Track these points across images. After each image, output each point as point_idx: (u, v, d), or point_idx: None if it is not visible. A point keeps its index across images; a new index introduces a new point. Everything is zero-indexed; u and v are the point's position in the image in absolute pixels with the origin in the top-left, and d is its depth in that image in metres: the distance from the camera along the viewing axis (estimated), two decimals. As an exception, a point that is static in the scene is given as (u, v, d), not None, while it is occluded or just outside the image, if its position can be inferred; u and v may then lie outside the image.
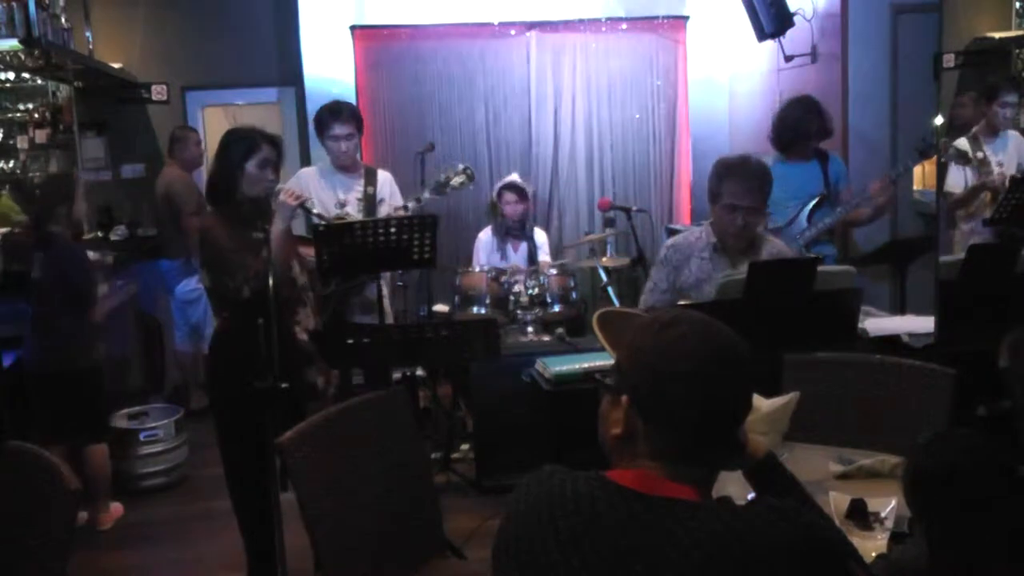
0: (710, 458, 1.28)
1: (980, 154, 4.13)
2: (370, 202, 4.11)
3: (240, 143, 3.05)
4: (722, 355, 1.26)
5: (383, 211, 4.10)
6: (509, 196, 5.00)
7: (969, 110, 4.37)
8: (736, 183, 3.01)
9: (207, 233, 3.03)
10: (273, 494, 2.83)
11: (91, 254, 4.80)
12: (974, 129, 4.22)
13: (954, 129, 4.33)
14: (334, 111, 4.09)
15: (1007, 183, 3.95)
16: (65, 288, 3.79)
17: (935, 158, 4.12)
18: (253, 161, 3.01)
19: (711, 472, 1.31)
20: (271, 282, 2.88)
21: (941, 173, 4.18)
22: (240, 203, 3.04)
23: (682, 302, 3.07)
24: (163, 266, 5.53)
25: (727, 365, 1.26)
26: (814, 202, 4.18)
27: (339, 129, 4.03)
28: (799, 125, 4.19)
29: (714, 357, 1.25)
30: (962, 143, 4.19)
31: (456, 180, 4.08)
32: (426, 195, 4.09)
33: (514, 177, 5.13)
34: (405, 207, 4.04)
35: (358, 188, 4.15)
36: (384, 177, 4.26)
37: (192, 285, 5.46)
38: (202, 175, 6.02)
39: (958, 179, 4.16)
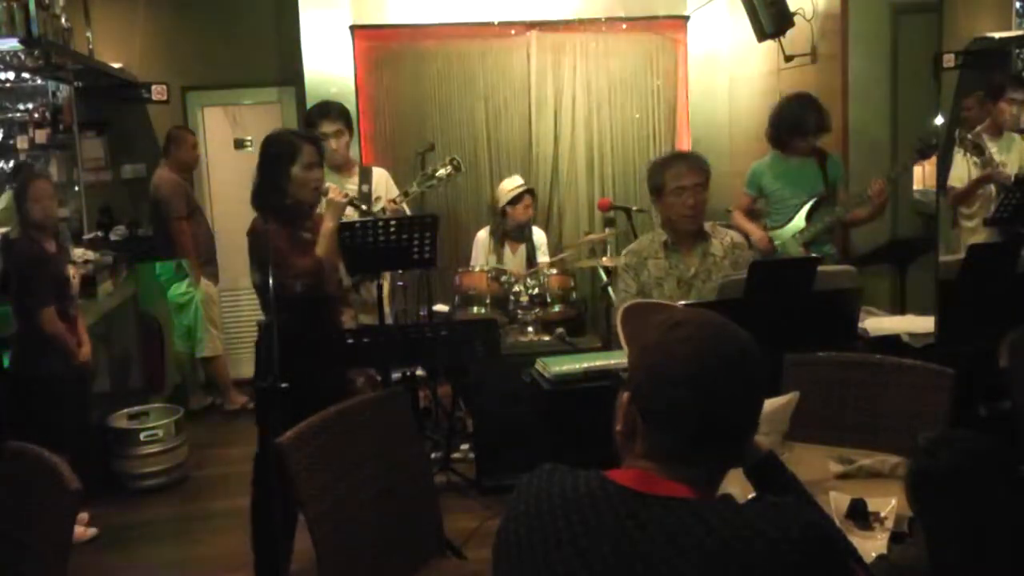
0: (709, 463, 1.26)
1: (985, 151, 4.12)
2: (365, 201, 4.12)
3: (280, 148, 3.10)
4: (726, 362, 1.23)
5: (380, 208, 4.11)
6: (529, 199, 5.01)
7: (975, 112, 4.35)
8: (677, 167, 3.23)
9: (260, 238, 3.06)
10: (273, 494, 2.83)
11: (92, 254, 4.82)
12: (978, 128, 4.21)
13: (962, 131, 4.32)
14: (322, 110, 4.13)
15: (1013, 179, 3.93)
16: (9, 291, 3.78)
17: (935, 158, 4.11)
18: (298, 165, 3.06)
19: (712, 474, 1.28)
20: (271, 282, 2.89)
21: (941, 172, 4.17)
22: (288, 206, 3.08)
23: (683, 301, 3.08)
24: (156, 268, 5.53)
25: (730, 372, 1.23)
26: (813, 202, 4.18)
27: (327, 127, 4.05)
28: (797, 121, 4.18)
29: (717, 363, 1.22)
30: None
31: (442, 171, 4.08)
32: (414, 188, 4.10)
33: (521, 180, 5.12)
34: (394, 201, 4.06)
35: (352, 187, 4.15)
36: (380, 174, 4.27)
37: (183, 289, 5.45)
38: (201, 177, 6.05)
39: (962, 173, 4.14)
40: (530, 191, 5.06)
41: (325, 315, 3.22)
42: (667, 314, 1.34)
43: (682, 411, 1.22)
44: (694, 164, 3.25)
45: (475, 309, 4.60)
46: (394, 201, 4.05)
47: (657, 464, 1.24)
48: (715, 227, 3.40)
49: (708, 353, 1.23)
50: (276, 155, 3.09)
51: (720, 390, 1.22)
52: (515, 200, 5.00)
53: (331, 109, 4.14)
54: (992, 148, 4.14)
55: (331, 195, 3.16)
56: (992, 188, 4.07)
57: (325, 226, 3.15)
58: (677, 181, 3.20)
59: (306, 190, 3.10)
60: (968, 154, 4.03)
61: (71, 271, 3.91)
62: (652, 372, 1.25)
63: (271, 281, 2.94)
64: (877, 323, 3.67)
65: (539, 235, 5.21)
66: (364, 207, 3.54)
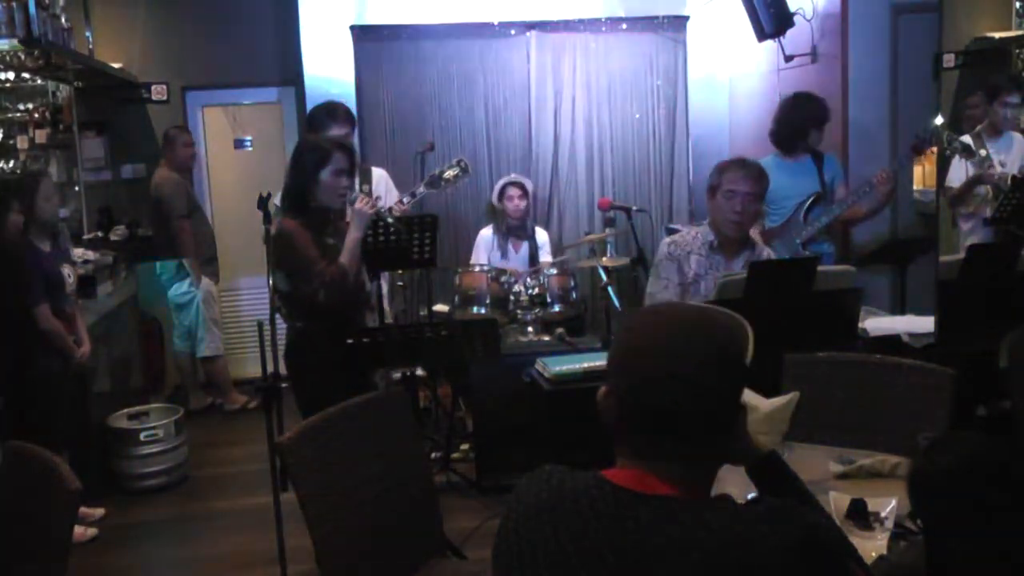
0: (692, 459, 1.23)
1: (983, 151, 4.13)
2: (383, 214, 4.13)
3: (313, 153, 3.14)
4: (701, 357, 1.21)
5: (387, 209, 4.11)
6: (513, 191, 5.00)
7: (979, 111, 4.36)
8: (735, 171, 3.24)
9: (287, 239, 3.09)
10: (273, 494, 2.83)
11: (92, 254, 4.82)
12: (977, 128, 4.21)
13: (952, 133, 4.33)
14: (330, 112, 4.10)
15: (1009, 182, 3.94)
16: (3, 290, 3.78)
17: (934, 158, 4.12)
18: (328, 170, 3.10)
19: (692, 471, 1.25)
20: (270, 283, 2.90)
21: (941, 172, 4.17)
22: (315, 210, 3.10)
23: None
24: (157, 268, 5.53)
25: (707, 367, 1.21)
26: (809, 201, 4.19)
27: (336, 130, 4.03)
28: (802, 116, 4.21)
29: (693, 358, 1.21)
30: (967, 139, 4.18)
31: (449, 172, 4.09)
32: (421, 190, 4.09)
33: (514, 175, 5.14)
34: (401, 201, 4.05)
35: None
36: (379, 174, 4.27)
37: (184, 289, 5.45)
38: (201, 177, 6.05)
39: (959, 174, 4.15)
40: (516, 183, 5.05)
41: (351, 321, 3.25)
42: (644, 309, 1.35)
43: (658, 408, 1.20)
44: (751, 173, 3.25)
45: (475, 309, 4.60)
46: (401, 202, 4.05)
47: (645, 463, 1.23)
48: (757, 240, 3.38)
49: (685, 347, 1.21)
50: (307, 157, 3.13)
51: (697, 386, 1.20)
52: (500, 194, 5.02)
53: (339, 112, 4.12)
54: (991, 148, 4.15)
55: (358, 205, 3.16)
56: (988, 189, 4.08)
57: (351, 236, 3.15)
58: (731, 184, 3.20)
59: (332, 195, 3.12)
60: (958, 156, 4.05)
61: (67, 271, 3.90)
62: (624, 368, 1.25)
63: (293, 287, 2.99)
64: (877, 323, 3.68)
65: (542, 234, 5.22)
66: (391, 219, 3.55)
